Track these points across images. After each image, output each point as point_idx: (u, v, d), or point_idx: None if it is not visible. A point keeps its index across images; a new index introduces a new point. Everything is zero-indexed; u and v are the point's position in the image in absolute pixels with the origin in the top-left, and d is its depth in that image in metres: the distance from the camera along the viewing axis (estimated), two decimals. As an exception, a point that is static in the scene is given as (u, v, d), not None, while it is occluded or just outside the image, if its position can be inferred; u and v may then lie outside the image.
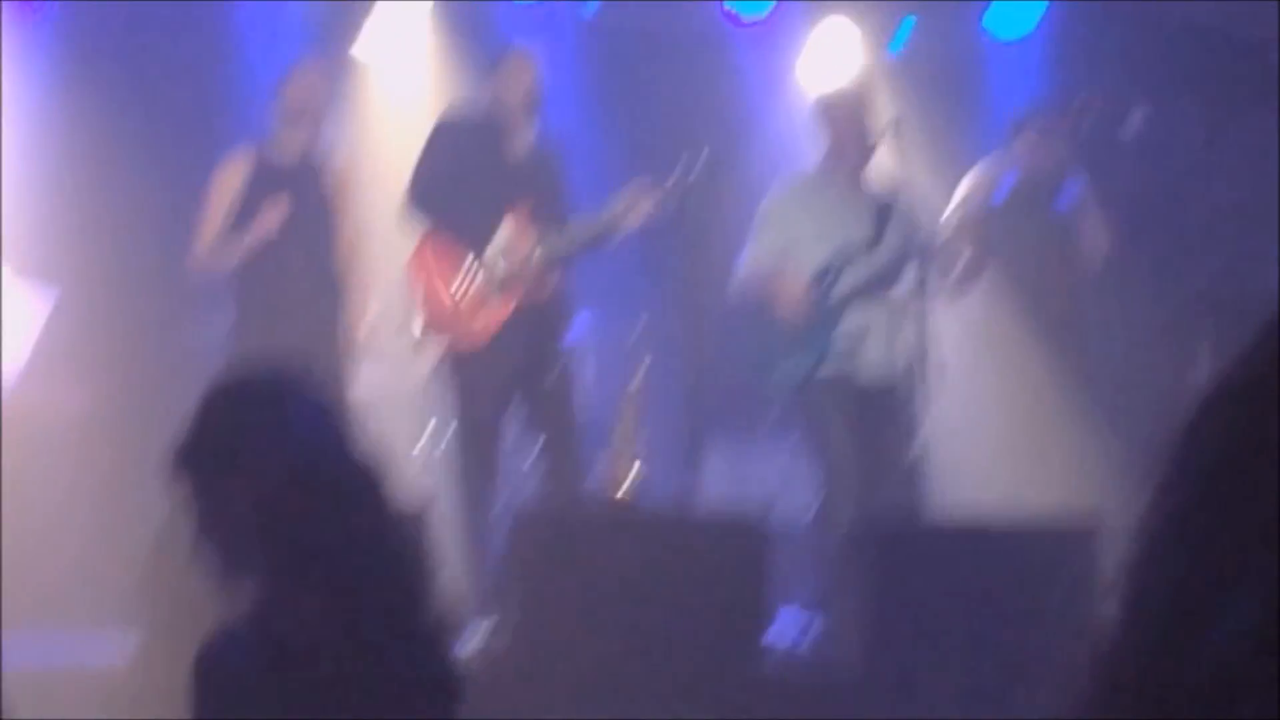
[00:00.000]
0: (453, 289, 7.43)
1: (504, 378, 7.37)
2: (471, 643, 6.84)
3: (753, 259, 7.68)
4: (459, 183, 7.44)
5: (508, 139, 7.54)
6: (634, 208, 7.40)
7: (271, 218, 7.46)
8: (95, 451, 8.06)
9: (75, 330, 8.27)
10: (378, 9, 9.33)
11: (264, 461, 2.69)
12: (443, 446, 8.05)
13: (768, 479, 8.81)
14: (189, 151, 8.34)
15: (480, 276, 7.42)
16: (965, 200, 8.33)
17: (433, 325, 7.45)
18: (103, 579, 7.15)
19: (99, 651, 6.63)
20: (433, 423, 8.35)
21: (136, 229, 8.62)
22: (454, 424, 7.59)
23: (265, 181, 7.61)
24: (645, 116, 9.38)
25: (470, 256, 7.44)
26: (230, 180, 7.65)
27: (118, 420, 8.26)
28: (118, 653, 6.42)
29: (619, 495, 7.40)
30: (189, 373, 7.76)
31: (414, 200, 7.51)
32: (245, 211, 7.57)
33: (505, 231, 7.41)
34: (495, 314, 7.41)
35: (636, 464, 7.43)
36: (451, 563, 7.19)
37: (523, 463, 7.89)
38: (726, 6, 9.58)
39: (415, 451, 8.48)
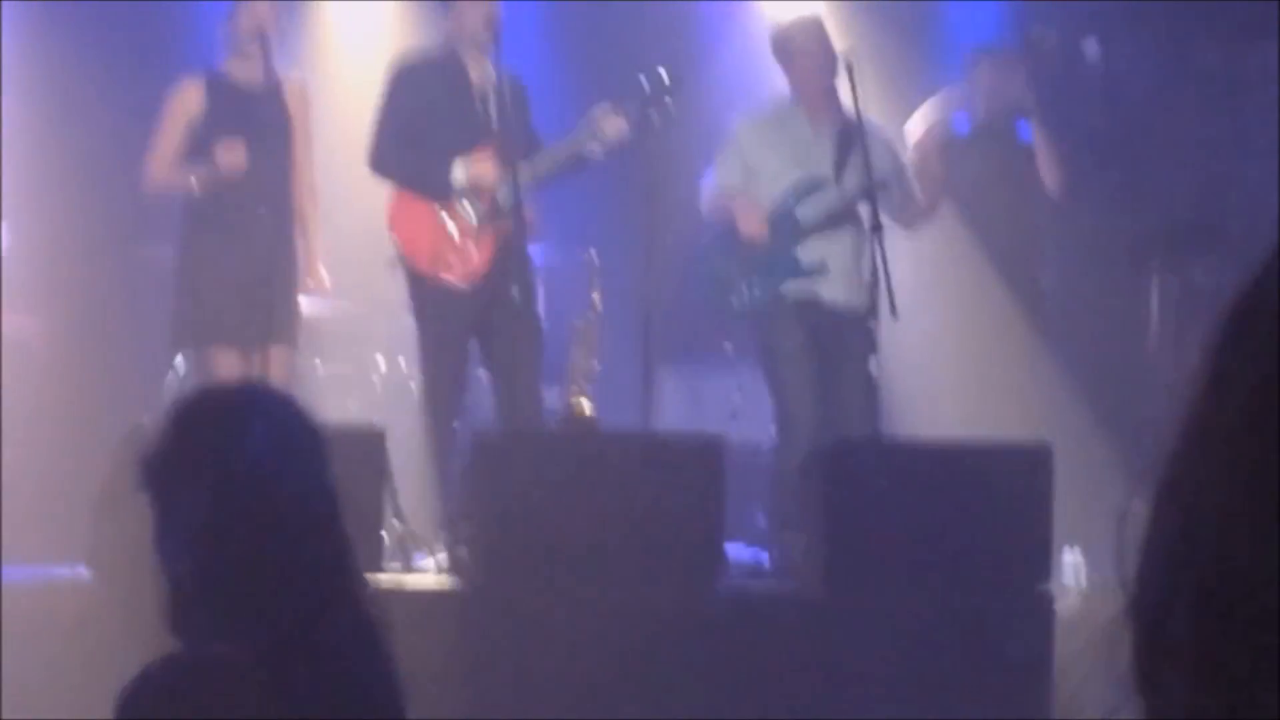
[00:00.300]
0: (433, 234, 7.42)
1: (466, 305, 7.38)
2: (436, 566, 6.89)
3: (716, 182, 7.72)
4: (420, 136, 7.42)
5: (468, 75, 7.50)
6: (599, 132, 7.38)
7: (236, 155, 7.40)
8: (54, 382, 8.04)
9: (30, 264, 8.23)
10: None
11: (220, 487, 2.62)
12: (406, 373, 8.06)
13: (726, 403, 8.85)
14: (141, 81, 8.28)
15: (457, 221, 7.41)
16: (924, 131, 8.34)
17: (417, 266, 7.44)
18: (60, 514, 7.11)
19: (55, 587, 6.62)
20: (396, 350, 8.38)
21: (87, 160, 8.58)
22: (424, 351, 7.59)
23: (222, 104, 7.56)
24: (602, 43, 9.33)
25: (439, 209, 7.44)
26: (186, 102, 7.59)
27: (74, 351, 8.25)
28: (73, 589, 6.43)
29: (576, 420, 7.43)
30: (143, 302, 7.77)
31: (376, 165, 7.51)
32: (202, 134, 7.53)
33: (466, 171, 7.38)
34: (480, 251, 7.40)
35: (587, 399, 7.46)
36: (415, 485, 7.25)
37: (482, 388, 7.92)
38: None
39: (374, 378, 8.50)
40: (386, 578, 6.63)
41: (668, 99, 7.41)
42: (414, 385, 7.91)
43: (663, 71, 7.43)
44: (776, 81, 7.88)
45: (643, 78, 7.42)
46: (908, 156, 8.01)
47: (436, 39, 7.69)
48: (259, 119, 7.48)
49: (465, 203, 7.42)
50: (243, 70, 7.61)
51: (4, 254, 8.04)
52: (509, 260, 7.26)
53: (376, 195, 7.57)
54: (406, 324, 7.76)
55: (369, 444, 6.77)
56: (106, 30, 8.78)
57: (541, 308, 7.65)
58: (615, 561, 6.56)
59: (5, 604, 6.31)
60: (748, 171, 7.68)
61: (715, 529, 6.77)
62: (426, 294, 7.46)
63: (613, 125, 7.35)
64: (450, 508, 7.14)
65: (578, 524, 6.57)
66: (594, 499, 6.63)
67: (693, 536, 6.67)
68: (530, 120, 7.61)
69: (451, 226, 7.41)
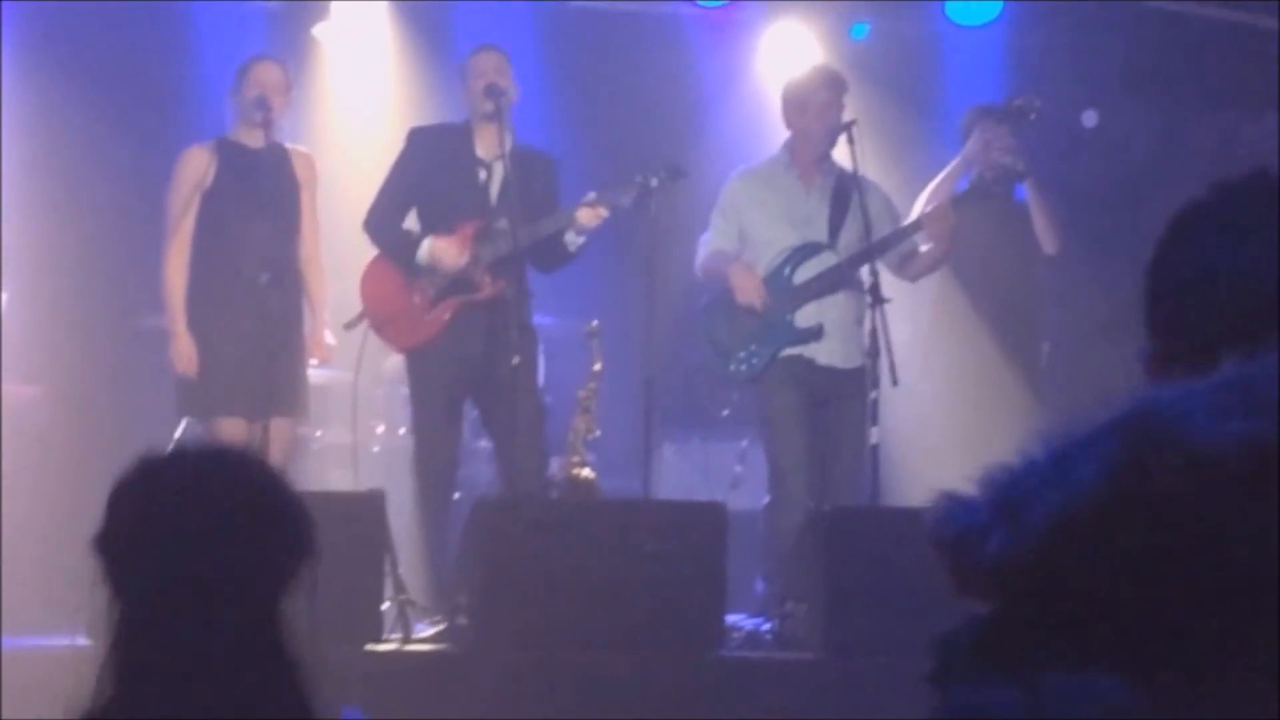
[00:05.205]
0: (394, 301, 7.51)
1: (456, 372, 7.41)
2: (436, 634, 6.89)
3: (711, 247, 7.72)
4: (419, 202, 7.53)
5: (474, 148, 7.55)
6: (576, 221, 7.39)
7: None
8: (53, 453, 8.04)
9: (31, 333, 8.24)
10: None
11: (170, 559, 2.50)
12: (404, 442, 8.07)
13: (727, 471, 8.85)
14: (146, 149, 8.32)
15: (418, 293, 7.46)
16: (936, 185, 8.29)
17: (380, 326, 7.53)
18: (59, 584, 7.09)
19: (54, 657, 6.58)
20: (396, 419, 8.42)
21: (89, 230, 8.63)
22: (412, 418, 7.65)
23: (229, 167, 7.54)
24: (607, 107, 9.35)
25: (405, 278, 7.51)
26: (193, 167, 7.57)
27: (74, 421, 8.24)
28: (73, 659, 6.39)
29: (576, 487, 7.42)
30: (145, 373, 7.77)
31: (366, 225, 7.63)
32: (210, 197, 7.53)
33: (430, 251, 7.44)
34: (430, 324, 7.46)
35: (587, 466, 7.46)
36: (410, 554, 7.25)
37: (482, 458, 7.95)
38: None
39: (375, 448, 8.51)
40: (386, 647, 6.65)
41: (663, 181, 7.43)
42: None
43: (661, 172, 7.43)
44: (771, 148, 7.89)
45: (639, 177, 7.43)
46: (922, 210, 7.96)
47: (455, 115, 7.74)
48: (265, 183, 7.47)
49: (425, 279, 7.46)
50: (250, 138, 7.60)
51: (4, 322, 8.04)
52: (483, 322, 7.30)
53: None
54: (403, 393, 7.80)
55: (369, 511, 6.78)
56: (112, 99, 8.80)
57: (543, 377, 7.70)
58: (614, 630, 6.57)
59: (5, 674, 6.30)
60: (741, 230, 7.68)
61: (715, 597, 6.78)
62: (415, 360, 7.51)
63: (588, 215, 7.36)
64: (448, 575, 7.14)
65: (577, 592, 6.58)
66: (593, 566, 6.64)
67: (693, 605, 6.68)
68: (552, 192, 7.62)
69: (413, 298, 7.46)
